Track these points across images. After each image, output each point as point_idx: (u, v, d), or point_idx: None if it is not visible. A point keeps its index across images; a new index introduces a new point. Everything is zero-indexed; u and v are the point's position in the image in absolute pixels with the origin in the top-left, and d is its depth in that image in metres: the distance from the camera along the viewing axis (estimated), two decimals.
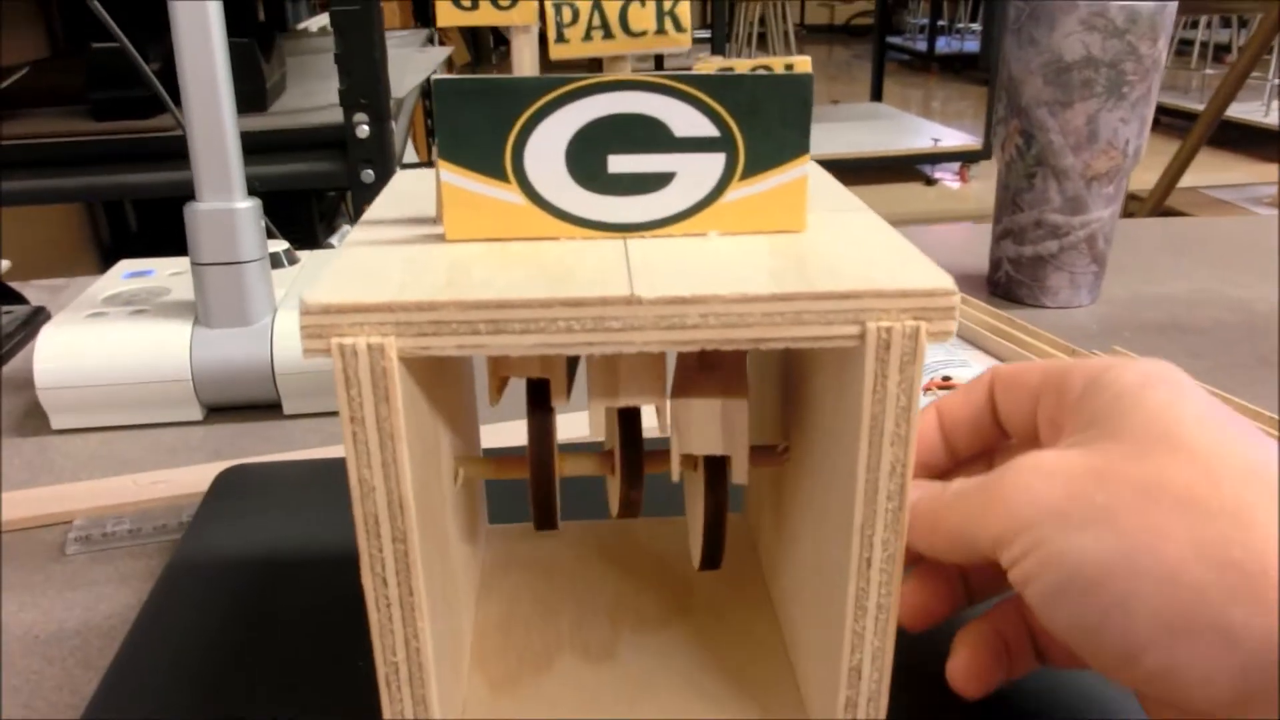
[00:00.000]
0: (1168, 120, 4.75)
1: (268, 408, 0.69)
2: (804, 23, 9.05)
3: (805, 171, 0.31)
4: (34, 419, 0.68)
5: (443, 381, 0.34)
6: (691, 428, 0.34)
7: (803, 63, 0.33)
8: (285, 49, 1.66)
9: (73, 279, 0.99)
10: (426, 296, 0.26)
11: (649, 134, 0.30)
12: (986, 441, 0.38)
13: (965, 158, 4.46)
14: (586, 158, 0.30)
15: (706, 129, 0.30)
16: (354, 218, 1.95)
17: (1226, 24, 5.51)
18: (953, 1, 7.81)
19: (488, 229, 0.31)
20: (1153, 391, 0.31)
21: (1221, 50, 5.72)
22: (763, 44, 4.51)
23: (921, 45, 7.84)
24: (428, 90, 2.19)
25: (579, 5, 0.33)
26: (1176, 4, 0.76)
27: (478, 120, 0.29)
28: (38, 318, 0.85)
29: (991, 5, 5.75)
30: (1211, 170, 3.95)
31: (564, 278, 0.28)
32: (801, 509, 0.36)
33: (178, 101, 0.64)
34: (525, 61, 0.35)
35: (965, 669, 0.35)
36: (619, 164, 0.30)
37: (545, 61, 0.34)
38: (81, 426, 0.67)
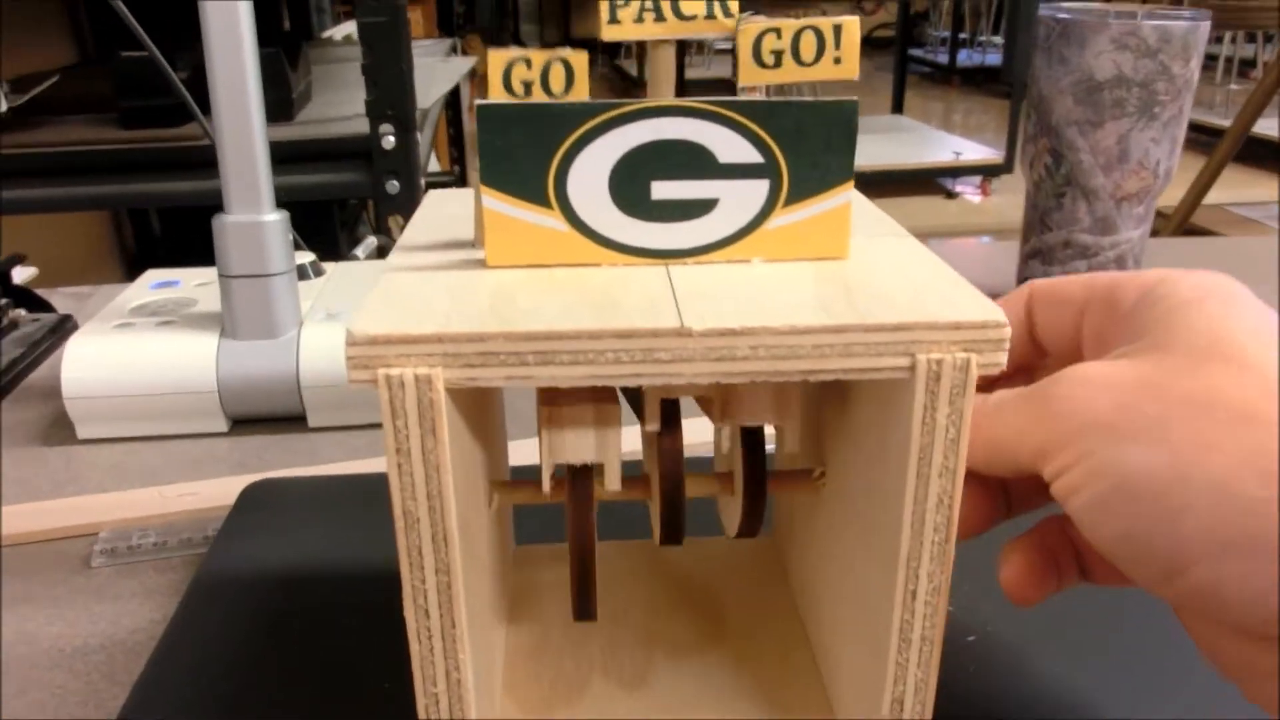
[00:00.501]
0: (1192, 135, 4.71)
1: (292, 420, 0.69)
2: None
3: (849, 198, 0.30)
4: (60, 428, 0.69)
5: (480, 407, 0.34)
6: (744, 398, 0.34)
7: (851, 23, 0.33)
8: (311, 57, 1.66)
9: (98, 287, 0.99)
10: (474, 327, 0.26)
11: (693, 160, 0.30)
12: (1023, 358, 0.37)
13: (987, 171, 4.45)
14: (630, 184, 0.30)
15: (751, 155, 0.30)
16: (376, 227, 1.96)
17: (1251, 39, 5.49)
18: (974, 14, 7.80)
19: (529, 255, 0.30)
20: (1207, 303, 0.30)
21: (1246, 65, 5.69)
22: None
23: (943, 58, 7.82)
24: (451, 100, 2.19)
25: None
26: (1209, 23, 0.75)
27: (521, 146, 0.29)
28: (64, 326, 0.85)
29: (1014, 18, 5.74)
30: (1237, 187, 3.93)
31: (610, 307, 0.27)
32: (839, 536, 0.36)
33: (205, 110, 0.64)
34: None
35: (1019, 578, 0.34)
36: (662, 190, 0.30)
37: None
38: (107, 436, 0.67)
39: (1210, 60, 5.72)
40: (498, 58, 0.33)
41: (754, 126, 0.29)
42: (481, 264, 0.31)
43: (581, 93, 0.34)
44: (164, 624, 0.48)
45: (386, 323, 0.26)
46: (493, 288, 0.29)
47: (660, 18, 0.33)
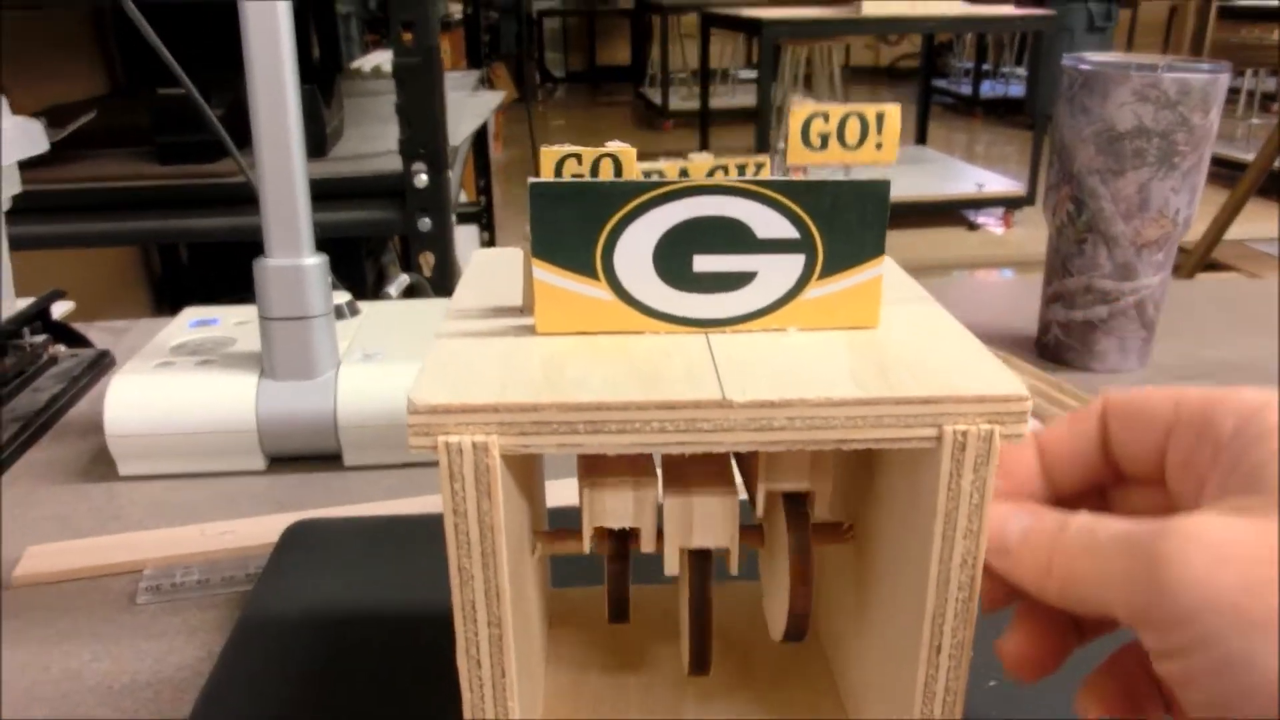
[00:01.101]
0: (1213, 169, 4.72)
1: (329, 459, 0.70)
2: (849, 64, 9.09)
3: (881, 271, 0.32)
4: (101, 465, 0.70)
5: (526, 466, 0.36)
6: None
7: (893, 111, 0.35)
8: (342, 90, 1.69)
9: (135, 322, 1.01)
10: (529, 398, 0.28)
11: (732, 235, 0.31)
12: (1094, 478, 0.33)
13: (1009, 204, 4.46)
14: (672, 257, 0.31)
15: (787, 231, 0.31)
16: (404, 261, 1.98)
17: (1273, 73, 5.49)
18: (997, 46, 7.82)
19: (577, 323, 0.32)
20: None
21: (1268, 99, 5.69)
22: (809, 85, 4.54)
23: (966, 89, 7.85)
24: (478, 130, 2.22)
25: (666, 171, 0.36)
26: (1228, 76, 0.76)
27: (570, 221, 0.31)
28: (102, 361, 0.87)
29: (1036, 50, 5.75)
30: (1257, 220, 3.93)
31: (655, 377, 0.29)
32: (868, 590, 0.37)
33: (240, 145, 0.66)
34: None
35: None
36: (703, 263, 0.32)
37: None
38: (148, 474, 0.69)
39: (1233, 94, 5.72)
40: (549, 155, 0.35)
41: (791, 204, 0.31)
42: (531, 330, 0.33)
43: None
44: (209, 661, 0.49)
45: (445, 392, 0.28)
46: (543, 356, 0.31)
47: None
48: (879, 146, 0.36)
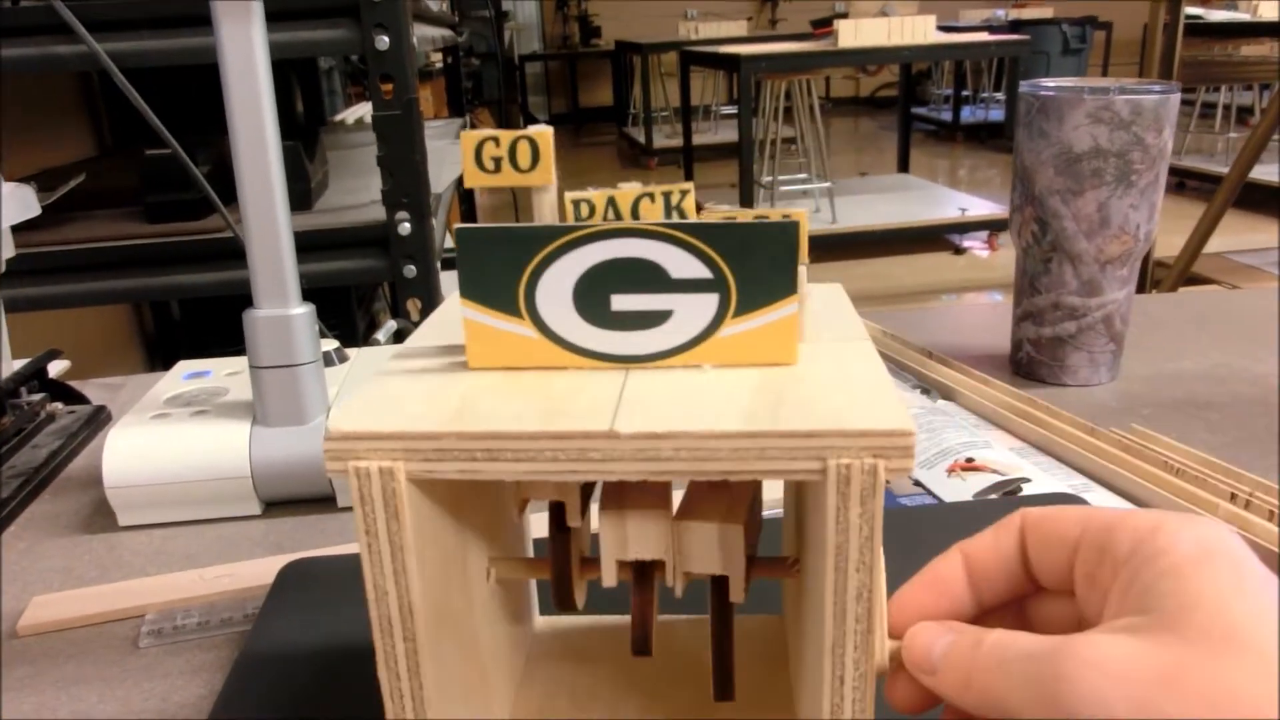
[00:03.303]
0: (1194, 184, 4.78)
1: (323, 501, 0.72)
2: (829, 96, 9.16)
3: (794, 310, 0.34)
4: (101, 516, 0.72)
5: (473, 492, 0.38)
6: (692, 549, 0.36)
7: (799, 214, 0.36)
8: (325, 143, 1.72)
9: (129, 377, 1.03)
10: (431, 428, 0.30)
11: (648, 276, 0.33)
12: (1017, 589, 0.36)
13: (993, 226, 4.49)
14: (591, 296, 0.34)
15: (700, 271, 0.33)
16: (392, 306, 2.00)
17: (1249, 87, 5.55)
18: (975, 72, 7.89)
19: (504, 359, 0.35)
20: (1208, 571, 0.29)
21: (1245, 112, 5.75)
22: (789, 118, 4.59)
23: (947, 115, 7.92)
24: (462, 181, 2.24)
25: (595, 201, 0.37)
26: (1179, 96, 0.79)
27: (495, 263, 0.33)
28: (99, 417, 0.89)
29: (1015, 75, 5.81)
30: (1238, 233, 3.96)
31: (557, 410, 0.31)
32: (807, 620, 0.39)
33: (226, 202, 0.68)
34: (545, 215, 0.39)
35: None
36: (621, 302, 0.34)
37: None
38: (147, 523, 0.71)
39: (1209, 108, 5.78)
40: (470, 138, 0.37)
41: (703, 246, 0.33)
42: (464, 366, 0.35)
43: (546, 167, 0.38)
44: (210, 698, 0.51)
45: (359, 421, 0.31)
46: (465, 390, 0.33)
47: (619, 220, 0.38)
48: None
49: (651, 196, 0.37)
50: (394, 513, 0.31)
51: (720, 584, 0.37)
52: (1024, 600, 0.36)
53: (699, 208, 0.38)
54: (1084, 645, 0.29)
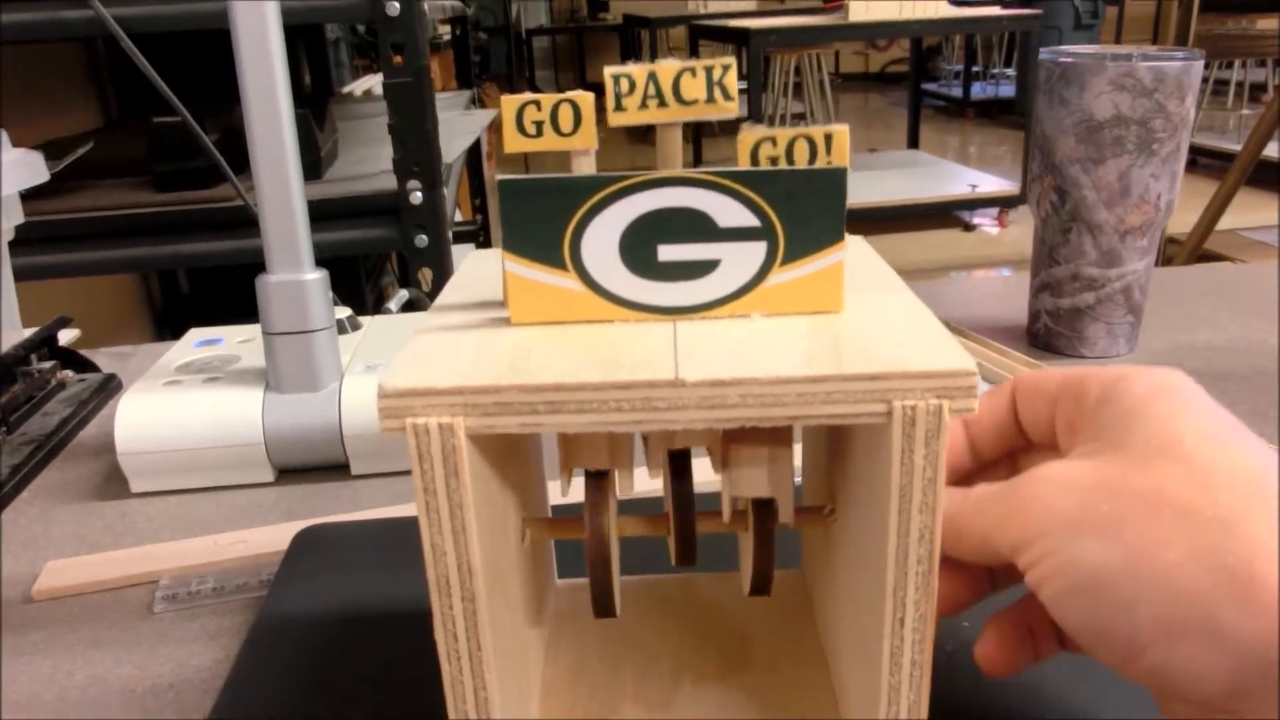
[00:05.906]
0: (1206, 161, 4.75)
1: (336, 469, 0.72)
2: (839, 71, 9.12)
3: (842, 256, 0.33)
4: (114, 483, 0.72)
5: (513, 450, 0.37)
6: (741, 472, 0.36)
7: (841, 132, 0.36)
8: (335, 114, 1.71)
9: (138, 346, 1.02)
10: (491, 380, 0.29)
11: (695, 225, 0.33)
12: (1010, 445, 0.39)
13: (1003, 203, 4.48)
14: (638, 247, 0.33)
15: (748, 219, 0.33)
16: (403, 279, 2.00)
17: (1261, 64, 5.51)
18: (986, 48, 7.85)
19: (548, 313, 0.34)
20: (1159, 403, 0.33)
21: (1258, 89, 5.71)
22: (798, 93, 4.57)
23: (956, 91, 7.88)
24: (471, 150, 2.24)
25: (635, 76, 0.36)
26: (1202, 63, 0.78)
27: (538, 215, 0.32)
28: (110, 385, 0.89)
29: (1025, 51, 5.78)
30: (1250, 211, 3.94)
31: (616, 361, 0.31)
32: (845, 568, 0.38)
33: (236, 171, 0.67)
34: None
35: (992, 653, 0.37)
36: (668, 253, 0.33)
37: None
38: (160, 490, 0.71)
39: (1222, 85, 5.75)
40: (510, 102, 0.36)
41: (750, 193, 0.32)
42: (506, 322, 0.34)
43: (588, 131, 0.37)
44: (227, 663, 0.51)
45: (415, 377, 0.30)
46: (513, 344, 0.32)
47: (663, 103, 0.37)
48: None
49: (693, 71, 0.36)
50: (453, 470, 0.30)
51: (764, 507, 0.37)
52: (1017, 455, 0.40)
53: (739, 125, 0.37)
54: (1044, 469, 0.33)
